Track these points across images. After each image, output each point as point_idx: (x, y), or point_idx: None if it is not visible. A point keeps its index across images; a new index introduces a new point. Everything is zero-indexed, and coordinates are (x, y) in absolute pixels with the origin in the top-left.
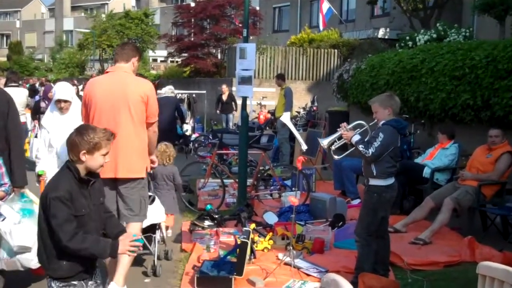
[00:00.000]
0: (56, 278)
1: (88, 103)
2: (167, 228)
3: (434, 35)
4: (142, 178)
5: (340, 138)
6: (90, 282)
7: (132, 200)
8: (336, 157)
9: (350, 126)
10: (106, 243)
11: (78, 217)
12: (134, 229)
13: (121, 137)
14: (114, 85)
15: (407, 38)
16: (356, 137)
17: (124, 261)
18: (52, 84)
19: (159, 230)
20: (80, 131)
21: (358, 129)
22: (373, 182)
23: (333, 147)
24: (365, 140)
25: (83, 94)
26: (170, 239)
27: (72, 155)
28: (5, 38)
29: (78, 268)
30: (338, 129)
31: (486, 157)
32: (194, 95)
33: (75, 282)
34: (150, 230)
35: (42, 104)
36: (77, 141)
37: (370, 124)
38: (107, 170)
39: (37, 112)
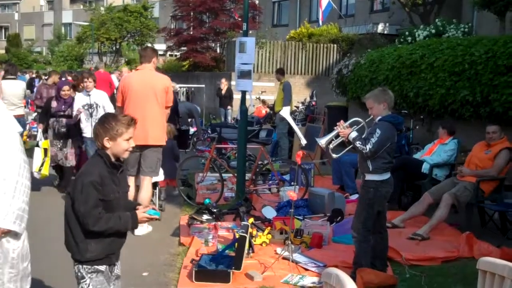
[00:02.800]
0: (84, 263)
1: (124, 91)
2: (174, 188)
3: (433, 31)
4: (161, 146)
5: (337, 136)
6: (115, 270)
7: (152, 160)
8: (334, 155)
9: (347, 123)
10: (127, 217)
11: (107, 202)
12: (147, 181)
13: (150, 115)
14: (144, 79)
15: (407, 33)
16: (353, 134)
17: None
18: (66, 78)
19: (157, 187)
20: (101, 120)
21: (355, 126)
22: (369, 177)
23: (331, 146)
24: (363, 136)
25: (120, 85)
26: (169, 231)
27: (98, 143)
28: (3, 30)
29: (106, 250)
30: (335, 128)
31: (485, 153)
32: (193, 89)
33: (102, 268)
34: (152, 186)
35: (54, 104)
36: (99, 129)
37: (367, 120)
38: (140, 138)
39: (46, 113)
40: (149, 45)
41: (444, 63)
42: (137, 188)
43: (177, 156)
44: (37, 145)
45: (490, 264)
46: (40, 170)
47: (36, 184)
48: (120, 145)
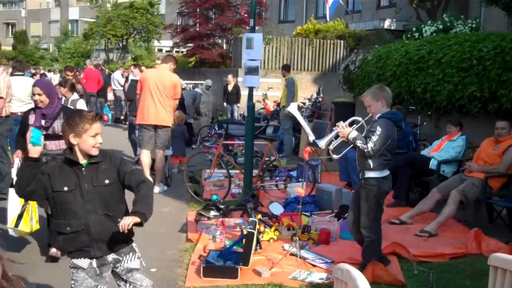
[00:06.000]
0: (69, 256)
1: (142, 83)
2: (181, 163)
3: (441, 26)
4: (169, 126)
5: (337, 136)
6: (105, 272)
7: (163, 137)
8: (335, 156)
9: (346, 123)
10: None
11: (58, 193)
12: (161, 154)
13: (160, 103)
14: (157, 75)
15: (414, 29)
16: (353, 134)
17: (159, 172)
18: (52, 75)
19: (167, 160)
20: (67, 118)
21: (355, 126)
22: (369, 174)
23: (331, 147)
24: (363, 135)
25: (140, 78)
26: (176, 227)
27: (65, 140)
28: (10, 27)
29: (74, 244)
30: (334, 128)
31: (493, 149)
32: (200, 86)
33: (83, 265)
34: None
35: (31, 119)
36: (65, 127)
37: (366, 119)
38: (153, 119)
39: (23, 133)
40: (156, 42)
41: (451, 59)
42: (153, 160)
43: (187, 137)
44: (12, 185)
45: (501, 260)
46: (17, 224)
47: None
48: (87, 141)
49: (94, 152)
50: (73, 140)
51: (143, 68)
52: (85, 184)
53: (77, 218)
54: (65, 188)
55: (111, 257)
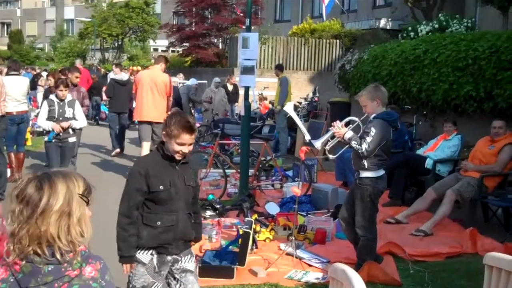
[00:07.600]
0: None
1: (138, 84)
2: None
3: (436, 26)
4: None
5: (333, 137)
6: (163, 270)
7: (160, 132)
8: (331, 156)
9: (342, 123)
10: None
11: (154, 193)
12: None
13: (153, 100)
14: (150, 75)
15: (409, 28)
16: (349, 134)
17: None
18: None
19: None
20: (170, 115)
21: (351, 126)
22: (364, 174)
23: (327, 147)
24: (358, 136)
25: (135, 79)
26: None
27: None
28: (5, 26)
29: (158, 240)
30: (330, 128)
31: (489, 149)
32: (195, 85)
33: (142, 258)
34: None
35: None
36: (164, 123)
37: (361, 118)
38: (147, 116)
39: None
40: (152, 41)
41: (447, 58)
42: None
43: None
44: None
45: (496, 259)
46: None
47: None
48: (171, 144)
49: (176, 157)
50: (164, 137)
51: (132, 67)
52: (179, 181)
53: (169, 213)
54: (161, 188)
55: (170, 256)
